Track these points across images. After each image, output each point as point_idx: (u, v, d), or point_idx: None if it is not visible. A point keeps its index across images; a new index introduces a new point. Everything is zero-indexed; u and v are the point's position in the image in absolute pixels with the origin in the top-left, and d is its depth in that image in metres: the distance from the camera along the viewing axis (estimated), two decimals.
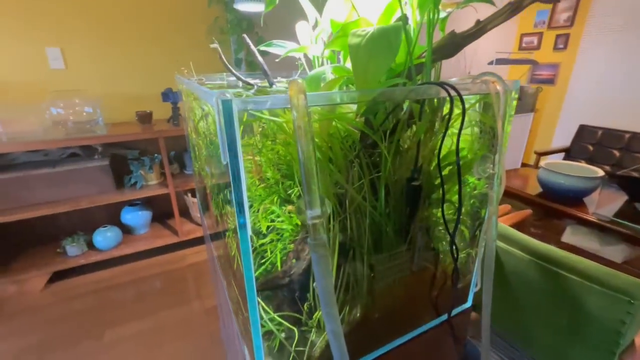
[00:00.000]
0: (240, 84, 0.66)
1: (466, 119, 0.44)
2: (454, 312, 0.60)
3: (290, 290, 0.41)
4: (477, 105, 0.48)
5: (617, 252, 1.53)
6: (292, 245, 0.43)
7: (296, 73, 0.86)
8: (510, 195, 1.97)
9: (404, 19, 0.36)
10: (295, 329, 0.43)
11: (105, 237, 1.73)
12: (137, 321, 1.41)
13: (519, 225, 1.51)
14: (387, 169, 0.40)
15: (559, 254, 0.77)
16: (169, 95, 1.74)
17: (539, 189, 1.86)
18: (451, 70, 3.01)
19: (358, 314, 0.45)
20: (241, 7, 1.36)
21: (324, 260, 0.32)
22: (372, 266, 0.44)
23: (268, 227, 0.47)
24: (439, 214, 0.49)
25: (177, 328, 1.37)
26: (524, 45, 3.34)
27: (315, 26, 0.55)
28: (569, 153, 2.66)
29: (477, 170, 0.45)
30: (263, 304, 0.41)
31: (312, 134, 0.28)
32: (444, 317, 0.56)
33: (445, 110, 0.43)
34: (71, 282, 1.67)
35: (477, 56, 3.10)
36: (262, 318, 0.43)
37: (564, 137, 3.11)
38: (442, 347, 0.60)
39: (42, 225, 1.79)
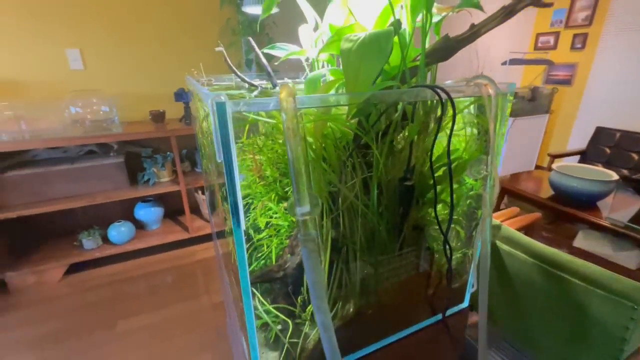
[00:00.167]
0: (246, 85, 0.68)
1: (462, 120, 0.45)
2: (451, 311, 0.61)
3: (284, 283, 0.43)
4: (472, 107, 0.48)
5: (631, 258, 1.49)
6: (288, 241, 0.45)
7: (302, 74, 0.88)
8: (521, 198, 1.94)
9: (396, 24, 0.38)
10: (290, 322, 0.45)
11: (120, 231, 1.79)
12: (148, 313, 1.46)
13: (527, 229, 1.49)
14: (380, 169, 0.41)
15: (563, 257, 0.76)
16: (181, 95, 1.79)
17: (551, 192, 1.83)
18: (463, 70, 2.97)
19: (351, 310, 0.47)
20: (249, 10, 1.38)
21: (313, 255, 0.34)
22: (365, 263, 0.45)
23: (267, 223, 0.49)
24: (434, 214, 0.50)
25: (185, 321, 1.41)
26: (539, 45, 3.26)
27: (316, 29, 0.56)
28: (585, 156, 2.59)
29: (470, 172, 0.46)
30: (259, 295, 0.43)
31: (301, 136, 0.30)
32: (439, 316, 0.57)
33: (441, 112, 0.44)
34: (87, 274, 1.73)
35: (490, 56, 3.05)
36: (257, 309, 0.45)
37: (580, 139, 3.03)
38: (438, 346, 0.61)
39: (61, 219, 1.87)
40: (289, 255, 0.43)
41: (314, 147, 0.42)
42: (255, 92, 0.62)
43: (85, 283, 1.67)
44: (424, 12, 0.39)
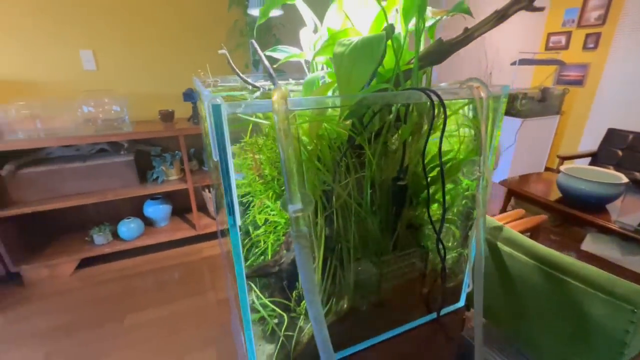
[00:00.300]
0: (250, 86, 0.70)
1: (456, 121, 0.46)
2: (447, 310, 0.61)
3: (280, 278, 0.45)
4: (467, 109, 0.49)
5: None
6: (284, 238, 0.47)
7: (306, 76, 0.90)
8: (528, 200, 1.92)
9: (389, 28, 0.39)
10: (285, 315, 0.46)
11: (129, 228, 1.84)
12: (155, 308, 1.49)
13: (532, 231, 1.47)
14: (373, 168, 0.43)
15: (563, 259, 0.76)
16: (190, 95, 1.83)
17: (560, 195, 1.80)
18: (472, 71, 2.93)
19: (345, 306, 0.48)
20: (255, 12, 1.41)
21: (305, 251, 0.36)
22: (358, 261, 0.46)
23: (266, 220, 0.51)
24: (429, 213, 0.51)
25: (191, 316, 1.44)
26: (550, 44, 3.21)
27: (316, 32, 0.58)
28: (596, 158, 2.54)
29: (463, 172, 0.46)
30: (256, 290, 0.45)
31: (293, 136, 0.31)
32: (435, 315, 0.57)
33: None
34: (97, 269, 1.79)
35: (499, 57, 3.01)
36: (254, 303, 0.47)
37: (591, 141, 2.97)
38: (434, 344, 0.62)
39: (73, 215, 1.93)
40: (284, 251, 0.45)
41: (309, 147, 0.43)
42: (257, 94, 0.64)
43: (95, 277, 1.72)
44: (416, 16, 0.40)
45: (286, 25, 2.06)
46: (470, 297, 0.63)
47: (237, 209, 0.34)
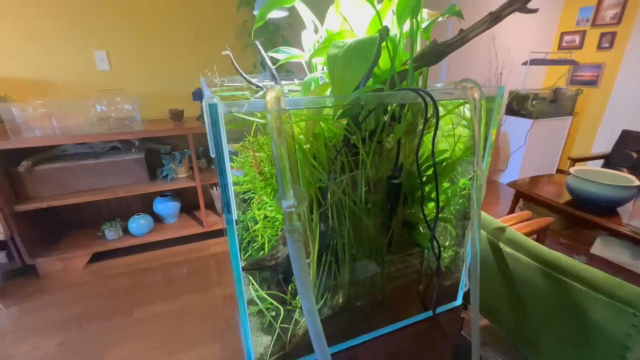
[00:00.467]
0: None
1: (452, 121, 0.46)
2: (444, 309, 0.62)
3: (276, 272, 0.46)
4: (464, 108, 0.50)
5: None
6: (281, 233, 0.48)
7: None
8: (536, 203, 1.89)
9: (383, 30, 0.40)
10: (282, 308, 0.48)
11: (139, 224, 1.88)
12: (163, 302, 1.53)
13: (539, 233, 1.46)
14: (367, 167, 0.44)
15: (566, 261, 0.76)
16: (199, 95, 1.86)
17: (569, 197, 1.77)
18: (482, 71, 2.90)
19: (340, 300, 0.49)
20: None
21: (297, 245, 0.37)
22: (353, 256, 0.47)
23: (265, 216, 0.52)
24: (425, 211, 0.52)
25: (197, 311, 1.47)
26: (564, 44, 3.15)
27: (317, 33, 0.59)
28: (609, 160, 2.48)
29: (458, 171, 0.47)
30: (254, 282, 0.46)
31: (285, 134, 0.33)
32: (429, 312, 0.58)
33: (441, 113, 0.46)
34: (108, 263, 1.84)
35: (511, 57, 2.97)
36: (252, 296, 0.49)
37: (605, 143, 2.91)
38: (429, 342, 0.62)
39: (86, 210, 1.99)
40: (281, 246, 0.46)
41: (306, 145, 0.45)
42: (260, 93, 0.66)
43: (106, 271, 1.77)
44: (410, 18, 0.41)
45: (294, 27, 2.08)
46: (468, 296, 0.63)
47: (233, 204, 0.36)
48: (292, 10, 0.58)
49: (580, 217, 1.62)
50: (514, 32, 2.95)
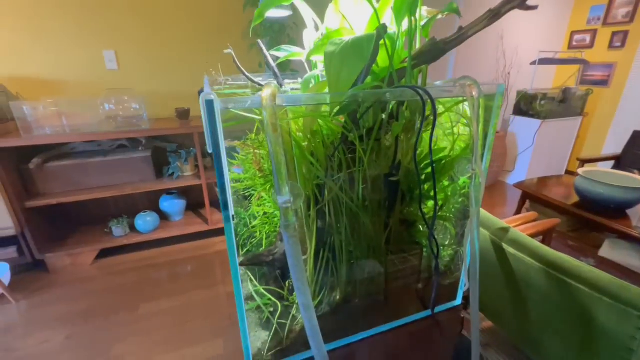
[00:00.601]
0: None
1: (451, 119, 0.46)
2: (443, 308, 0.62)
3: (273, 267, 0.47)
4: (463, 106, 0.49)
5: None
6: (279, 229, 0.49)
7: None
8: (543, 204, 1.86)
9: (381, 28, 0.40)
10: (279, 304, 0.48)
11: (145, 221, 1.91)
12: (168, 298, 1.55)
13: (545, 235, 1.44)
14: (365, 164, 0.44)
15: (570, 262, 0.75)
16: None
17: (577, 198, 1.75)
18: (490, 71, 2.87)
19: (338, 297, 0.50)
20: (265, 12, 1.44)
21: (293, 240, 0.37)
22: (350, 253, 0.48)
23: (265, 212, 0.53)
24: (424, 210, 0.52)
25: (202, 308, 1.49)
26: (574, 43, 3.10)
27: (318, 31, 0.59)
28: (620, 161, 2.43)
29: (457, 170, 0.47)
30: (251, 276, 0.47)
31: (282, 130, 0.33)
32: (428, 311, 0.58)
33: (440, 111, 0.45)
34: (115, 259, 1.87)
35: (519, 56, 2.93)
36: (250, 291, 0.49)
37: (615, 144, 2.85)
38: (429, 341, 0.62)
39: (94, 207, 2.03)
40: (279, 242, 0.47)
41: (304, 143, 0.45)
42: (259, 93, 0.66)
43: (113, 267, 1.80)
44: (408, 16, 0.41)
45: (299, 27, 2.09)
46: (468, 296, 0.63)
47: (230, 199, 0.36)
48: (298, 10, 0.58)
49: (589, 219, 1.60)
50: (522, 32, 2.91)
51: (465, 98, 0.46)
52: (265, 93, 0.32)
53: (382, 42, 0.42)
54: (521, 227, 1.34)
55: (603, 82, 2.93)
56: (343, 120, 0.45)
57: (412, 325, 0.58)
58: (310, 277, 0.47)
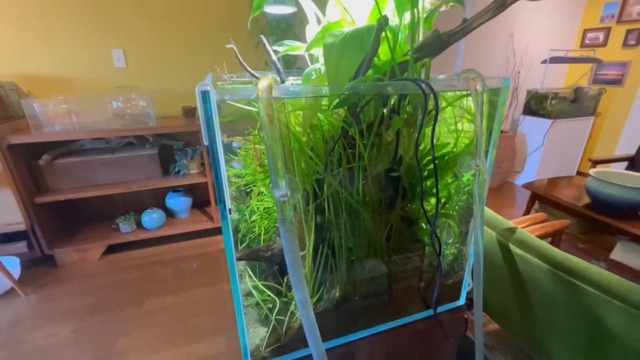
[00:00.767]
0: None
1: (455, 114, 0.45)
2: (446, 308, 0.60)
3: (271, 263, 0.46)
4: (467, 100, 0.48)
5: None
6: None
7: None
8: (553, 205, 1.82)
9: (382, 19, 0.39)
10: (277, 300, 0.48)
11: (152, 218, 1.93)
12: (173, 295, 1.57)
13: (554, 236, 1.40)
14: (365, 160, 0.43)
15: (578, 264, 0.73)
16: None
17: (588, 200, 1.70)
18: (499, 70, 2.82)
19: (337, 294, 0.49)
20: (269, 9, 1.44)
21: (290, 235, 0.37)
22: (350, 250, 0.47)
23: (265, 207, 0.52)
24: (427, 207, 0.51)
25: (205, 305, 1.50)
26: (587, 41, 3.03)
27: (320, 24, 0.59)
28: (634, 163, 2.36)
29: (461, 166, 0.46)
30: (250, 272, 0.46)
31: (279, 123, 0.33)
32: (430, 311, 0.57)
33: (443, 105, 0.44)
34: (122, 255, 1.90)
35: (529, 54, 2.87)
36: (248, 287, 0.49)
37: (629, 144, 2.77)
38: (430, 341, 0.61)
39: (101, 203, 2.06)
40: (278, 237, 0.46)
41: (304, 138, 0.44)
42: None
43: (119, 263, 1.82)
44: (409, 8, 0.40)
45: (305, 24, 2.08)
46: (472, 296, 0.62)
47: (226, 190, 0.36)
48: (303, 8, 0.58)
49: (600, 220, 1.56)
50: (533, 29, 2.85)
51: (469, 92, 0.45)
52: (262, 84, 0.32)
53: (383, 34, 0.41)
54: (529, 228, 1.31)
55: (617, 82, 2.86)
56: (343, 114, 0.44)
57: (414, 325, 0.56)
58: (309, 274, 0.47)
